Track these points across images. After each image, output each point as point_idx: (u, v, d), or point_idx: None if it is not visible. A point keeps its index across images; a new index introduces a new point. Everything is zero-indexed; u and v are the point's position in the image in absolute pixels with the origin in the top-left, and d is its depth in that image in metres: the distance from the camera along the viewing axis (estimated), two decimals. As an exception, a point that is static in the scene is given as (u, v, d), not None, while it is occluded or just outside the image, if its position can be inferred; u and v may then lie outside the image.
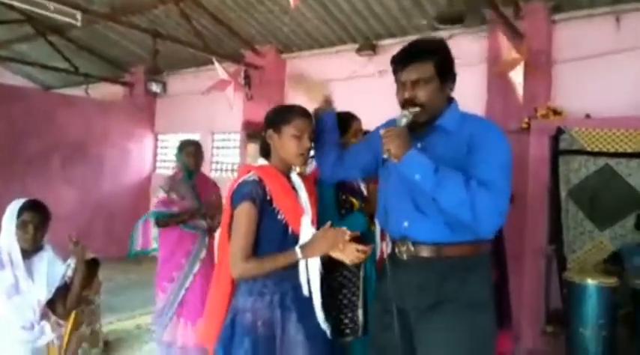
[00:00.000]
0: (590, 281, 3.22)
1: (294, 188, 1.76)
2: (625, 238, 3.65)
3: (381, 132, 1.59)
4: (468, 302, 1.57)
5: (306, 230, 1.67)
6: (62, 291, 2.12)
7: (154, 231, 3.24)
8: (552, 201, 3.96)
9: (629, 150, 3.69)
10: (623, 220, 3.70)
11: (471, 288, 1.59)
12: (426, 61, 1.60)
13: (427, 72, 1.60)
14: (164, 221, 3.10)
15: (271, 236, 1.68)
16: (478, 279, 1.62)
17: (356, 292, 2.14)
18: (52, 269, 2.11)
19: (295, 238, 1.68)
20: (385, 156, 1.59)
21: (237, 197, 1.68)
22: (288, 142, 1.72)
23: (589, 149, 3.82)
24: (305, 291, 1.68)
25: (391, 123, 1.69)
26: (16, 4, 4.44)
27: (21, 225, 2.02)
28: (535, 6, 4.38)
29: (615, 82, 4.12)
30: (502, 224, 1.54)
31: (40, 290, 2.04)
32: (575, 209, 3.88)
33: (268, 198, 1.67)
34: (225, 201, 1.78)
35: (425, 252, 1.61)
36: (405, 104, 1.63)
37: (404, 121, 1.60)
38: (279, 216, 1.68)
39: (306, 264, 1.67)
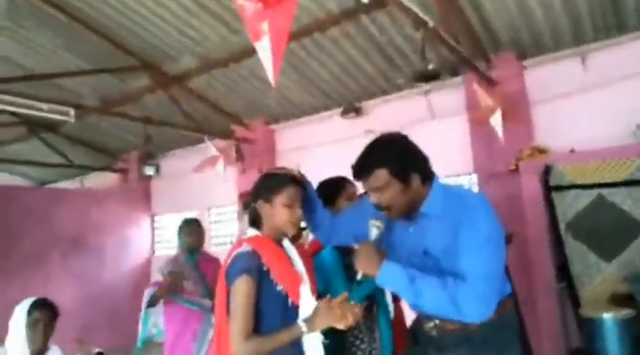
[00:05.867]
0: (606, 316, 3.18)
1: (288, 257, 1.71)
2: (632, 266, 3.62)
3: (355, 247, 1.64)
4: None
5: (307, 300, 1.60)
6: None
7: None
8: (553, 238, 3.97)
9: (619, 180, 3.75)
10: (628, 248, 3.69)
11: (499, 352, 1.63)
12: (378, 170, 1.58)
13: (381, 180, 1.58)
14: (153, 300, 3.03)
15: (272, 308, 1.59)
16: (505, 340, 1.65)
17: (372, 352, 2.13)
18: (60, 371, 2.07)
19: (296, 310, 1.60)
20: (359, 277, 1.63)
21: (232, 272, 1.59)
22: (280, 211, 1.67)
23: (579, 182, 3.89)
24: None
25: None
26: (10, 108, 4.57)
27: (32, 324, 2.00)
28: (504, 55, 4.64)
29: (591, 116, 4.27)
30: (489, 310, 1.52)
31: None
32: (578, 243, 3.88)
33: (265, 268, 1.60)
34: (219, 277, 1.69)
35: (451, 325, 1.62)
36: (376, 207, 1.65)
37: (374, 234, 1.65)
38: (277, 287, 1.60)
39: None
